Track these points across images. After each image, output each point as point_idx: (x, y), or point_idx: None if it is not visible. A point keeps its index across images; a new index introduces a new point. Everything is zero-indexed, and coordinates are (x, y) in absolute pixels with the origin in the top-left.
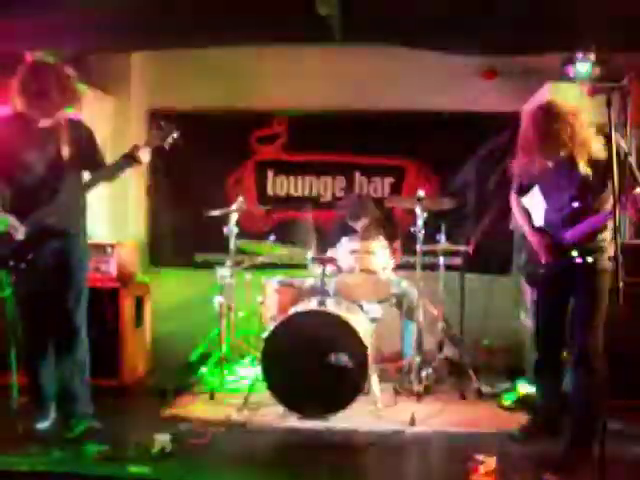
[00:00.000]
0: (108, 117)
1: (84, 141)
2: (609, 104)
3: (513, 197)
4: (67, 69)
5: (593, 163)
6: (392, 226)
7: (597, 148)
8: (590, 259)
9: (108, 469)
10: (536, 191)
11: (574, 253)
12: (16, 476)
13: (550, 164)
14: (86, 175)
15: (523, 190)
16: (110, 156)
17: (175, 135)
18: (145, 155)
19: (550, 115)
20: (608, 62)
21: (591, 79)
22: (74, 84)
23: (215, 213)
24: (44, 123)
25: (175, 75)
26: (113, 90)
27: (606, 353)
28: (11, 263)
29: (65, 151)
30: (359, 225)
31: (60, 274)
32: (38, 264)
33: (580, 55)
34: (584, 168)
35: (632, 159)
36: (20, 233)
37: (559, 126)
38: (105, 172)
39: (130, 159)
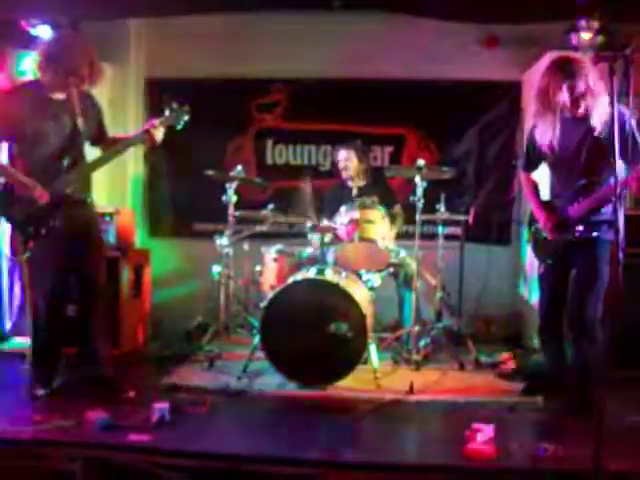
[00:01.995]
0: (106, 85)
1: (93, 113)
2: (612, 73)
3: (522, 173)
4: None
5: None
6: (389, 192)
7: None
8: (595, 233)
9: (108, 437)
10: (543, 167)
11: (579, 228)
12: (18, 443)
13: (566, 121)
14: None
15: (531, 166)
16: (108, 124)
17: (187, 117)
18: (159, 134)
19: (571, 65)
20: (611, 30)
21: (594, 48)
22: (99, 60)
23: (211, 173)
24: (59, 94)
25: (174, 43)
26: (111, 58)
27: (608, 323)
28: (31, 229)
29: (80, 122)
30: (355, 183)
31: (84, 242)
32: (58, 231)
33: (583, 23)
34: (598, 122)
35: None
36: (44, 199)
37: (580, 77)
38: (119, 148)
39: (145, 138)
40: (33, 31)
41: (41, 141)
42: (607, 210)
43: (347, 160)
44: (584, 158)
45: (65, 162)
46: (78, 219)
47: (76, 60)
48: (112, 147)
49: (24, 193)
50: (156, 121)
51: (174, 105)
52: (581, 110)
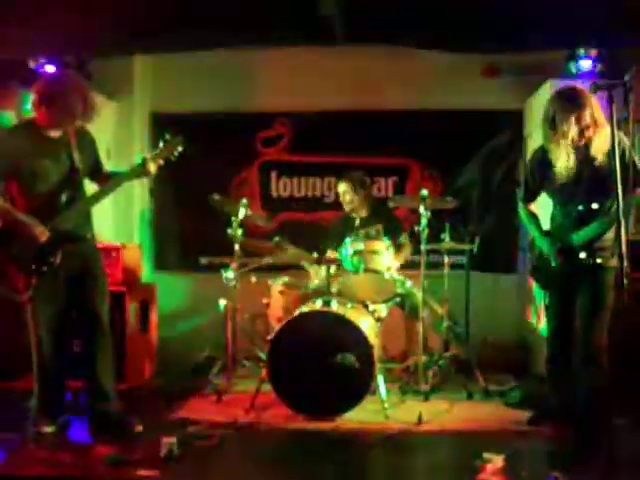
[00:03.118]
0: (111, 121)
1: (89, 149)
2: (611, 100)
3: (520, 204)
4: (83, 80)
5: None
6: (394, 221)
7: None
8: (599, 259)
9: (116, 473)
10: (543, 197)
11: (582, 254)
12: None
13: (569, 151)
14: (94, 186)
15: (530, 196)
16: (114, 160)
17: (181, 148)
18: (153, 167)
19: (578, 96)
20: (611, 58)
21: (593, 75)
22: (93, 97)
23: (217, 197)
24: (54, 132)
25: (178, 78)
26: (115, 94)
27: (614, 351)
28: (33, 266)
29: (77, 158)
30: (358, 214)
31: (84, 278)
32: (60, 268)
33: (582, 51)
34: (601, 157)
35: (635, 157)
36: (44, 237)
37: (587, 108)
38: (115, 183)
39: (139, 171)
40: (40, 70)
41: (39, 179)
42: (608, 236)
43: (345, 193)
44: (585, 185)
45: (63, 198)
46: (79, 255)
47: (68, 98)
48: (109, 182)
49: (24, 231)
50: (149, 154)
51: (167, 137)
52: (583, 140)
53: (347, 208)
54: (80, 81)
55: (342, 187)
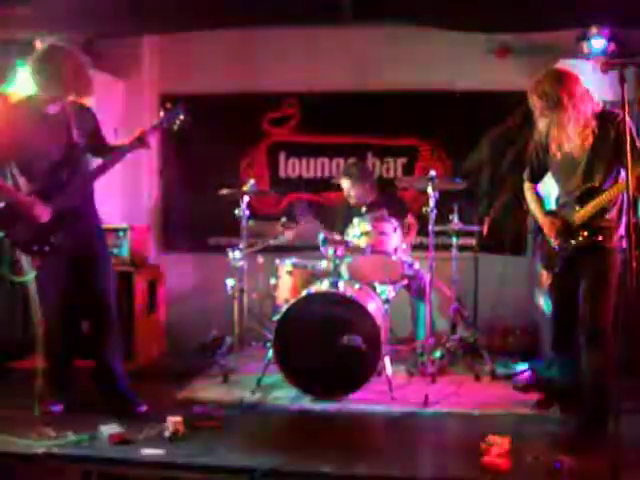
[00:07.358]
0: (119, 101)
1: (90, 125)
2: (622, 80)
3: (526, 184)
4: (81, 55)
5: (600, 141)
6: (400, 203)
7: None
8: (600, 237)
9: (122, 451)
10: (548, 177)
11: (585, 233)
12: (32, 458)
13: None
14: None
15: (535, 176)
16: (121, 140)
17: (182, 117)
18: (152, 139)
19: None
20: (623, 38)
21: (605, 55)
22: (88, 70)
23: (225, 192)
24: (52, 108)
25: (187, 58)
26: (124, 74)
27: (622, 333)
28: (35, 247)
29: (76, 135)
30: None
31: (88, 258)
32: (62, 247)
33: (594, 31)
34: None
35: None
36: (46, 216)
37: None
38: (115, 157)
39: (138, 143)
40: None
41: (39, 156)
42: (611, 216)
43: (348, 189)
44: (585, 163)
45: (64, 176)
46: (81, 234)
47: (61, 73)
48: (109, 156)
49: (25, 212)
50: (149, 126)
51: (168, 105)
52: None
53: (352, 202)
54: (75, 55)
55: (345, 184)
